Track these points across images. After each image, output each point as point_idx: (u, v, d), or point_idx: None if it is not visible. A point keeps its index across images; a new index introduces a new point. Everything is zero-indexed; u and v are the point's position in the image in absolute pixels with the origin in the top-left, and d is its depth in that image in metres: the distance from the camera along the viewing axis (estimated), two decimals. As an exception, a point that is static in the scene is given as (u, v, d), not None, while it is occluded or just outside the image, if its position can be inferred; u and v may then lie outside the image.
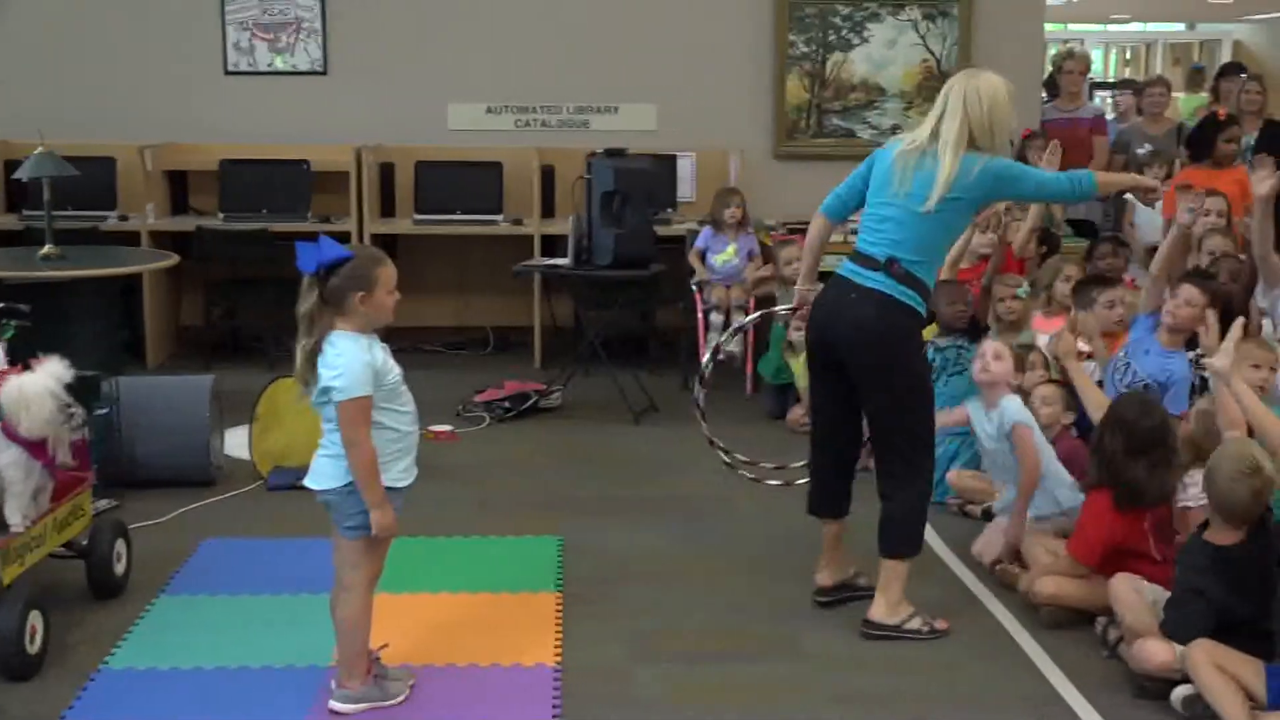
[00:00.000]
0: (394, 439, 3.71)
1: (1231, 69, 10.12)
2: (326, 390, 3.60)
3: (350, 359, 3.58)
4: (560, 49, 8.65)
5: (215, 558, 5.03)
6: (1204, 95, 9.69)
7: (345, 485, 3.66)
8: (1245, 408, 4.07)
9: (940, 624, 4.43)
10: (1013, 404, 5.00)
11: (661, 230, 7.77)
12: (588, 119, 8.72)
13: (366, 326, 3.66)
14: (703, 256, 7.73)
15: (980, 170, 4.16)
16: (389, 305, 3.69)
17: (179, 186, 8.61)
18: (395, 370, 3.72)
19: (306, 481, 3.76)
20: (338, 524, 3.74)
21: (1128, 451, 4.35)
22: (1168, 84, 9.06)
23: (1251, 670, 3.72)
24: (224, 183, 8.36)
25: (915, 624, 4.39)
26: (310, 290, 3.61)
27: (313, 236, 3.66)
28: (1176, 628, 3.93)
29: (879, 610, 4.39)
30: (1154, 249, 7.07)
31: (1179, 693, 3.84)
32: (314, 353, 3.61)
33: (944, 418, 5.21)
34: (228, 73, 8.66)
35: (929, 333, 5.94)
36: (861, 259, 4.29)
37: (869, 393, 4.31)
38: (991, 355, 5.07)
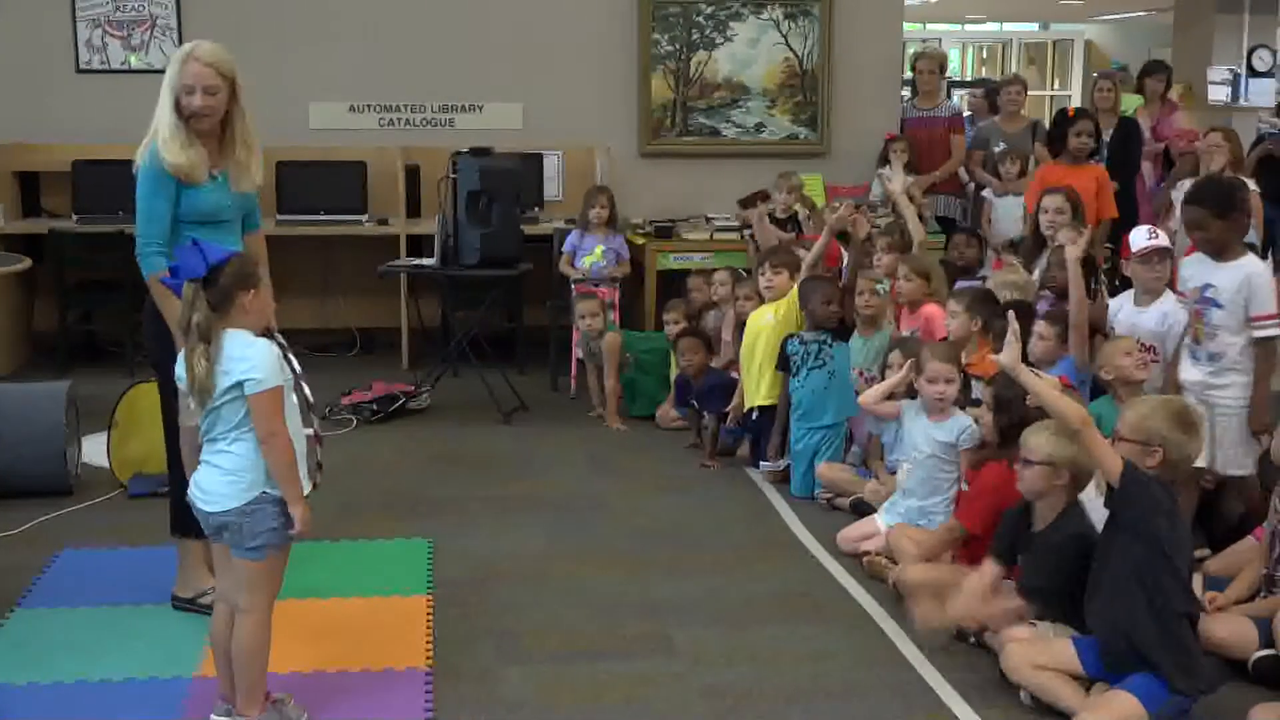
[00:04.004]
0: (294, 440, 3.57)
1: (1155, 67, 10.09)
2: (238, 385, 3.45)
3: (260, 349, 3.49)
4: (424, 47, 8.57)
5: (74, 568, 4.90)
6: (1137, 96, 9.75)
7: (248, 504, 3.51)
8: (1036, 394, 3.96)
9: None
10: (972, 424, 4.97)
11: (528, 229, 7.74)
12: (453, 118, 8.66)
13: (254, 328, 3.56)
14: (573, 258, 7.70)
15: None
16: (272, 305, 3.67)
17: (30, 188, 8.37)
18: (286, 368, 3.62)
19: (202, 505, 3.56)
20: (236, 546, 3.55)
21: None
22: (1023, 83, 9.27)
23: (1063, 651, 3.85)
24: (77, 184, 8.13)
25: (209, 600, 4.28)
26: (198, 297, 3.46)
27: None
28: None
29: (177, 586, 4.54)
30: (1010, 243, 7.27)
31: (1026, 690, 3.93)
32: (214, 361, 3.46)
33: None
34: (79, 71, 8.42)
35: (798, 327, 5.99)
36: None
37: None
38: (944, 379, 4.98)
